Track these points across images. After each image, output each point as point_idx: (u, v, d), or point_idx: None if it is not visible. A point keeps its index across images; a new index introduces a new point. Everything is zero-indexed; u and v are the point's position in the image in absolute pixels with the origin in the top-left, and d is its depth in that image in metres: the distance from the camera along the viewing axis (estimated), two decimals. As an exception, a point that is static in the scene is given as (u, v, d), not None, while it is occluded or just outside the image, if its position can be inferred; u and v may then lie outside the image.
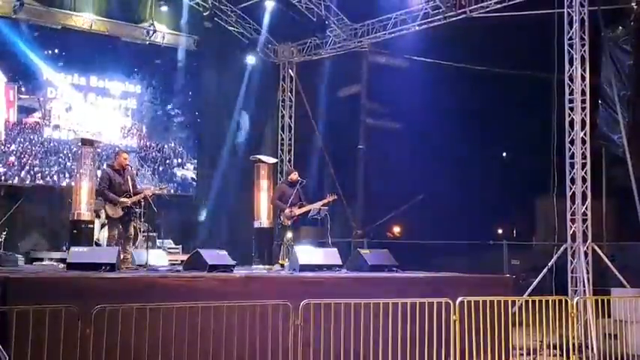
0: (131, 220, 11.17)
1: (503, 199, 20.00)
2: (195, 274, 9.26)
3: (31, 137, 16.06)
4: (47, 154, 16.15)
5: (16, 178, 15.76)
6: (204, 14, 17.10)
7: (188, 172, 18.12)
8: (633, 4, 13.36)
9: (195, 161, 18.35)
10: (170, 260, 13.05)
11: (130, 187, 11.04)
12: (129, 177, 11.15)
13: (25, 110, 16.13)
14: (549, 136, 12.78)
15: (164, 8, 16.77)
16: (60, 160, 16.26)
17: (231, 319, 7.24)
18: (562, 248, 12.42)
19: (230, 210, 18.05)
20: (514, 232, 21.91)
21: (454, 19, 14.94)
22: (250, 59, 18.48)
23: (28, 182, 15.80)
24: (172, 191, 14.21)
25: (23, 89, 15.97)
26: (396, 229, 23.38)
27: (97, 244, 12.69)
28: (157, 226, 14.65)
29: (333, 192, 13.12)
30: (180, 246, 15.56)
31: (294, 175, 12.74)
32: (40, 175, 16.00)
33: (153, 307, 6.92)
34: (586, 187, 12.36)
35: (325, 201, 12.59)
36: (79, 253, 9.77)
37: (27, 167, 15.86)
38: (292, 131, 18.74)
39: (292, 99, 18.78)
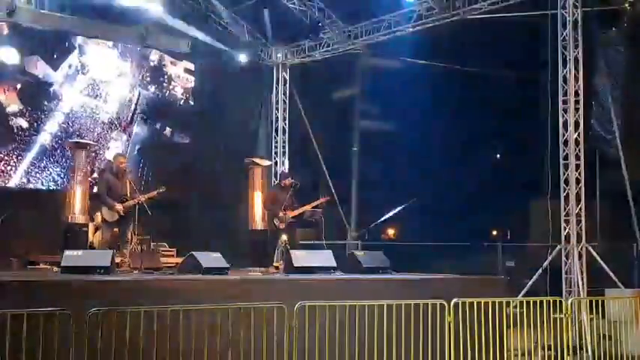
0: (127, 223, 11.18)
1: (497, 200, 19.99)
2: (189, 277, 9.25)
3: (26, 140, 16.00)
4: (41, 158, 16.06)
5: (10, 181, 15.68)
6: (198, 17, 17.07)
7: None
8: (626, 5, 13.40)
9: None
10: (164, 263, 13.02)
11: (128, 191, 11.07)
12: (126, 181, 11.19)
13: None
14: (543, 137, 12.81)
15: (158, 11, 16.72)
16: (54, 163, 16.17)
17: (226, 321, 7.22)
18: (556, 249, 12.45)
19: (225, 212, 18.01)
20: (508, 233, 21.92)
21: (447, 20, 14.96)
22: (244, 61, 18.45)
23: (21, 185, 15.73)
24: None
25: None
26: (391, 231, 23.40)
27: (92, 248, 12.65)
28: (152, 229, 14.60)
29: (325, 194, 13.11)
30: (175, 249, 15.51)
31: (288, 181, 12.73)
32: (34, 178, 15.91)
33: (147, 310, 6.90)
34: (580, 188, 12.39)
35: (317, 202, 12.59)
36: (73, 256, 9.73)
37: (21, 170, 15.79)
38: (286, 133, 18.73)
39: (286, 101, 18.77)
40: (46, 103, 16.28)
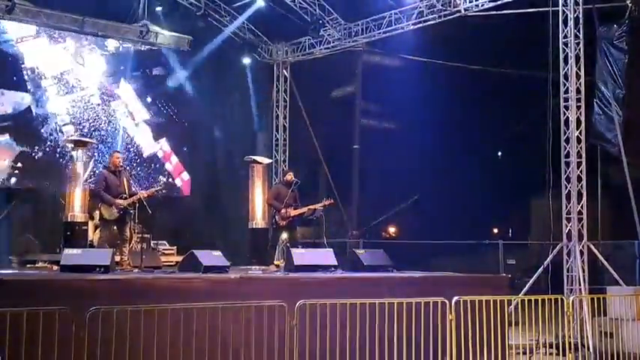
0: (126, 222, 11.11)
1: (498, 198, 20.01)
2: (190, 276, 9.23)
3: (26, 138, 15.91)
4: (40, 155, 15.98)
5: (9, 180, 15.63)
6: (198, 14, 17.04)
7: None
8: (628, 2, 13.35)
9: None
10: (165, 262, 12.99)
11: (126, 188, 10.99)
12: (124, 178, 11.10)
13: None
14: (544, 135, 12.76)
15: (158, 8, 16.68)
16: (53, 161, 16.07)
17: (227, 320, 7.20)
18: (558, 247, 12.41)
19: (225, 211, 18.00)
20: (510, 231, 21.92)
21: (448, 17, 14.93)
22: (244, 59, 18.43)
23: (20, 184, 15.68)
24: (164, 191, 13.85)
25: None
26: (392, 229, 23.39)
27: (91, 246, 12.62)
28: (152, 228, 14.59)
29: (329, 196, 13.12)
30: (175, 247, 15.49)
31: (290, 176, 12.76)
32: (32, 176, 15.84)
33: (147, 308, 6.88)
34: (581, 186, 12.35)
35: (321, 205, 12.58)
36: (72, 255, 9.72)
37: (20, 168, 15.73)
38: (287, 131, 18.69)
39: (286, 99, 18.73)
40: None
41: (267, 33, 18.29)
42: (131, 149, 17.28)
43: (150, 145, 17.58)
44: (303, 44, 18.11)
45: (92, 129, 16.55)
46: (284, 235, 12.54)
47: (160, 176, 17.50)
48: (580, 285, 11.92)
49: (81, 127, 16.46)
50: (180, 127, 17.97)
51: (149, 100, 17.61)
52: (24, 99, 15.96)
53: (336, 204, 14.57)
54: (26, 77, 15.99)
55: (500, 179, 20.06)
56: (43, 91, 16.20)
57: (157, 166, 17.64)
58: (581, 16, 12.55)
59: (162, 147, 17.64)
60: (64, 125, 16.26)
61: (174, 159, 17.81)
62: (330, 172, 18.67)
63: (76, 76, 16.72)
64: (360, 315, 7.68)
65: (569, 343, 9.02)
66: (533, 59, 15.10)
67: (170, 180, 17.64)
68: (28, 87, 16.02)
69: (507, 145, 21.92)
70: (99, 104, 16.90)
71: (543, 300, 9.03)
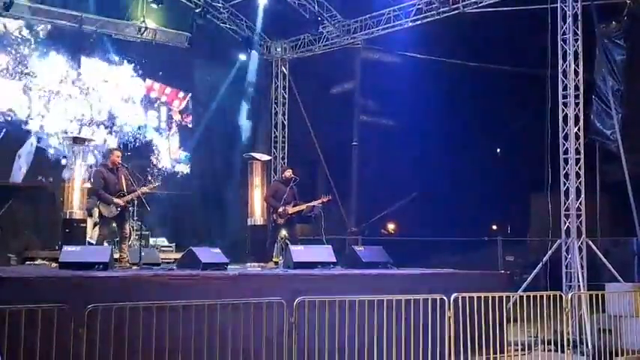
0: (126, 219, 11.11)
1: (497, 195, 20.01)
2: (188, 273, 9.23)
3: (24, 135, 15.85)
4: (38, 153, 15.93)
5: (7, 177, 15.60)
6: (197, 11, 17.02)
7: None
8: (627, -1, 13.36)
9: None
10: (163, 259, 13.01)
11: (124, 185, 10.95)
12: (122, 176, 11.06)
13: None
14: (543, 131, 12.77)
15: (155, 5, 16.66)
16: (51, 158, 16.04)
17: (225, 316, 7.21)
18: (556, 244, 12.41)
19: (224, 207, 18.01)
20: (508, 228, 21.93)
21: (447, 14, 14.93)
22: (243, 56, 18.43)
23: (19, 181, 15.66)
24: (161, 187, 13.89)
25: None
26: (391, 226, 23.39)
27: (90, 243, 12.63)
28: (150, 225, 14.60)
29: (327, 194, 13.14)
30: (174, 244, 15.50)
31: (288, 173, 12.76)
32: (31, 173, 15.82)
33: (146, 305, 6.88)
34: (580, 182, 12.35)
35: (319, 201, 12.59)
36: (71, 252, 9.73)
37: (18, 166, 15.70)
38: (286, 128, 18.69)
39: (285, 96, 18.73)
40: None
41: (266, 30, 18.27)
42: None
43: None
44: (302, 41, 18.12)
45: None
46: (283, 232, 12.55)
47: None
48: (579, 281, 11.91)
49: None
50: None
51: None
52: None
53: (333, 200, 14.58)
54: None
55: (499, 176, 20.06)
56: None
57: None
58: (579, 12, 12.54)
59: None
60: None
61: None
62: (328, 169, 18.67)
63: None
64: (358, 312, 7.69)
65: (568, 339, 9.04)
66: (532, 56, 15.11)
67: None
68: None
69: (506, 142, 21.90)
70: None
71: (542, 296, 9.03)
